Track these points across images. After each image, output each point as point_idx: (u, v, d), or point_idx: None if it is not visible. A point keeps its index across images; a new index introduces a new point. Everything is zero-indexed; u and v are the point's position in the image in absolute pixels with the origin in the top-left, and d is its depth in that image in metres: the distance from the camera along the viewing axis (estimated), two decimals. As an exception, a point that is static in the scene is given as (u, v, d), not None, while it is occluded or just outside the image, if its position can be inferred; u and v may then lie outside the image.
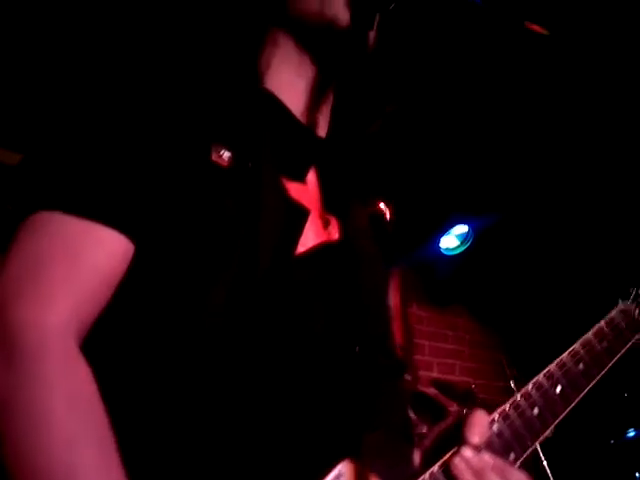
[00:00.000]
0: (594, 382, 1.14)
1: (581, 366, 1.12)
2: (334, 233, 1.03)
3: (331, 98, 1.12)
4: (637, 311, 1.26)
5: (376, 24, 1.02)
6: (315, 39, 1.02)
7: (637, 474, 3.25)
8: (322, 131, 1.09)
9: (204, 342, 0.79)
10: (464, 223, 4.43)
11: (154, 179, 0.82)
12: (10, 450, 0.65)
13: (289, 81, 1.04)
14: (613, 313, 1.24)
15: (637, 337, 1.23)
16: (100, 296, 0.77)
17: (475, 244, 4.50)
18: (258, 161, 0.92)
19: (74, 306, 0.73)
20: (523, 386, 1.07)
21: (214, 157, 0.86)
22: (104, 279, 0.77)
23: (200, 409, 0.77)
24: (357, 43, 1.01)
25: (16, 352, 0.69)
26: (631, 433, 3.36)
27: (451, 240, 4.51)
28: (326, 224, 1.01)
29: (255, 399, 0.80)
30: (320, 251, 0.96)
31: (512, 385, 3.27)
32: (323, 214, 1.02)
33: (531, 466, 2.87)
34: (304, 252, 0.93)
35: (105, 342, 0.79)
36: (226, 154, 0.87)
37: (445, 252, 4.49)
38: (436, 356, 4.74)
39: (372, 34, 1.03)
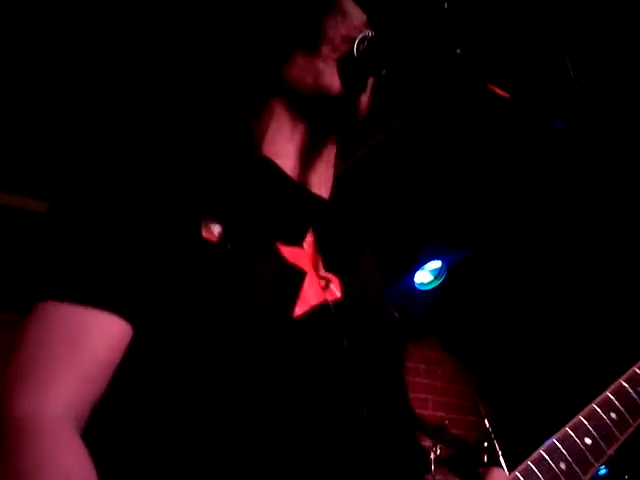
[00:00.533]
0: (631, 430, 1.03)
1: (613, 415, 1.02)
2: (335, 292, 1.01)
3: (332, 158, 1.13)
4: None
5: (370, 88, 1.07)
6: (309, 107, 1.05)
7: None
8: (324, 191, 1.10)
9: (206, 413, 0.80)
10: (438, 258, 4.50)
11: (146, 262, 0.84)
12: None
13: (284, 146, 1.06)
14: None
15: None
16: (100, 379, 0.80)
17: (449, 279, 4.58)
18: (250, 231, 0.93)
19: (72, 392, 0.77)
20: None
21: (204, 233, 0.88)
22: (102, 363, 0.80)
23: None
24: (350, 107, 1.05)
25: (12, 439, 0.73)
26: (602, 471, 3.39)
27: (425, 275, 4.57)
28: (327, 284, 1.00)
29: (258, 471, 0.80)
30: (319, 311, 0.95)
31: (486, 424, 3.28)
32: (323, 274, 1.01)
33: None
34: (302, 314, 0.92)
35: (109, 419, 0.81)
36: (217, 228, 0.89)
37: (419, 287, 4.55)
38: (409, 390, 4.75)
39: (365, 97, 1.06)
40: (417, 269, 4.42)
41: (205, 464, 0.78)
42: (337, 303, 0.99)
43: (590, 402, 1.03)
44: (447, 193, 3.70)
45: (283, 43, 1.07)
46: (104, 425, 0.80)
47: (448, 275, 4.59)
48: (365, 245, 1.18)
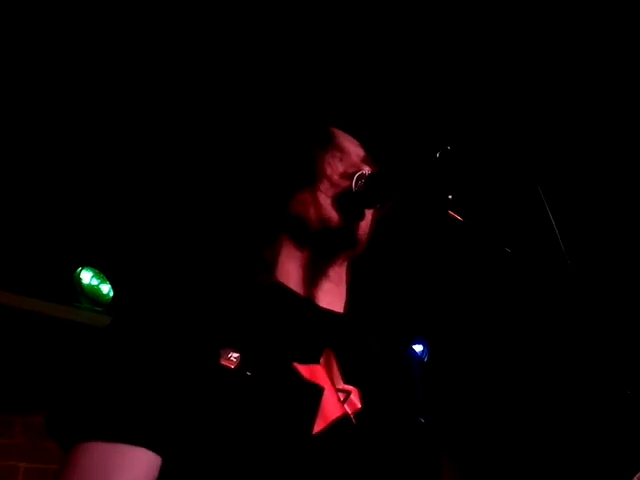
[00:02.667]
0: None
1: None
2: (356, 403, 1.04)
3: (342, 276, 1.20)
4: None
5: (371, 215, 1.16)
6: (313, 237, 1.14)
7: None
8: (337, 307, 1.16)
9: None
10: (419, 343, 4.56)
11: (170, 396, 0.90)
12: None
13: (294, 272, 1.14)
14: None
15: None
16: None
17: (430, 361, 4.61)
18: (267, 355, 0.98)
19: None
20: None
21: (223, 361, 0.94)
22: None
23: None
24: (350, 235, 1.14)
25: None
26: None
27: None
28: (347, 396, 1.04)
29: None
30: (340, 424, 0.99)
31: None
32: (342, 387, 1.05)
33: None
34: (322, 429, 0.96)
35: None
36: (234, 355, 0.95)
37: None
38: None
39: (365, 223, 1.16)
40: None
41: None
42: (358, 413, 1.03)
43: None
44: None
45: (286, 184, 1.18)
46: None
47: (430, 357, 4.64)
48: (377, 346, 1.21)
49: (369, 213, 1.16)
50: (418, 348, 4.58)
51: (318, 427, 0.97)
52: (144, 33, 2.32)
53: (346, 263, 1.21)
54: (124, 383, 0.91)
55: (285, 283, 1.12)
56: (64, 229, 3.12)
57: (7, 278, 3.10)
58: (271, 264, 1.15)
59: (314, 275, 1.15)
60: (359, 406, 1.05)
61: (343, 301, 1.20)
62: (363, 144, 1.26)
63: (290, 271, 1.14)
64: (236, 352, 0.95)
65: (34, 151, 2.72)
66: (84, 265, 3.47)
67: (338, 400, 1.02)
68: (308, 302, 1.13)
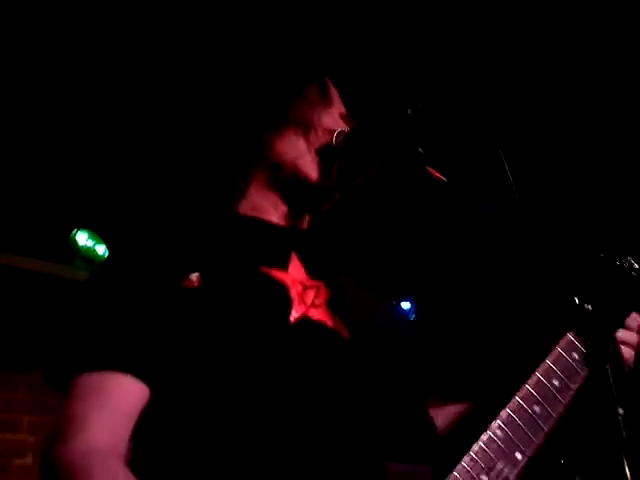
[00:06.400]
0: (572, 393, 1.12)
1: (555, 382, 1.11)
2: (324, 294, 1.17)
3: (304, 215, 1.28)
4: None
5: (339, 172, 1.23)
6: (285, 182, 1.22)
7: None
8: (302, 225, 1.27)
9: (236, 413, 0.99)
10: (407, 300, 4.70)
11: (146, 326, 1.04)
12: None
13: (260, 203, 1.23)
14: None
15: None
16: (125, 421, 1.00)
17: (417, 319, 4.76)
18: (230, 268, 1.10)
19: (105, 435, 0.97)
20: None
21: (185, 282, 1.06)
22: (125, 412, 1.00)
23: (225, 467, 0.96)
24: (320, 192, 1.24)
25: (78, 469, 0.94)
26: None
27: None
28: (317, 290, 1.16)
29: (276, 445, 0.97)
30: (313, 312, 1.11)
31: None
32: (310, 283, 1.17)
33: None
34: (298, 317, 1.09)
35: (152, 437, 1.03)
36: (194, 276, 1.06)
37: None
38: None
39: (335, 181, 1.23)
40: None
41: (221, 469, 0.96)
42: (329, 301, 1.16)
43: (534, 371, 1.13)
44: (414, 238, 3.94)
45: (276, 114, 1.25)
46: (142, 454, 1.01)
47: (417, 315, 4.78)
48: (341, 269, 1.31)
49: (340, 170, 1.24)
50: (405, 305, 4.74)
51: (293, 317, 1.09)
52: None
53: (309, 215, 1.29)
54: (105, 320, 1.05)
55: (249, 214, 1.22)
56: (60, 192, 3.20)
57: (6, 239, 3.20)
58: (242, 195, 1.24)
59: (283, 209, 1.24)
60: (329, 296, 1.17)
61: (307, 223, 1.29)
62: (345, 101, 1.35)
63: (260, 203, 1.23)
64: (196, 272, 1.07)
65: (33, 114, 2.79)
66: (80, 227, 3.57)
67: (309, 294, 1.15)
68: (270, 223, 1.22)
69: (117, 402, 0.99)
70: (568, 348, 1.15)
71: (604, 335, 1.07)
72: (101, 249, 3.64)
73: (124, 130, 2.88)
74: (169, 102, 2.76)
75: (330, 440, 1.01)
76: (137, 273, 1.08)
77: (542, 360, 1.15)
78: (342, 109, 1.29)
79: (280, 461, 0.97)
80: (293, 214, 1.25)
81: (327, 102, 1.27)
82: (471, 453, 1.00)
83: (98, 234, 3.60)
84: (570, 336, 1.15)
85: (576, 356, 1.14)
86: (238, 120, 1.30)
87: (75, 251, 3.59)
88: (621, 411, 0.89)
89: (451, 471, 0.98)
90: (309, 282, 1.17)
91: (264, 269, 1.13)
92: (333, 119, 1.24)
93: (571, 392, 1.12)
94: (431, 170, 1.15)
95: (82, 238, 3.61)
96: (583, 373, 1.13)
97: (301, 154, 1.21)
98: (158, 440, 1.02)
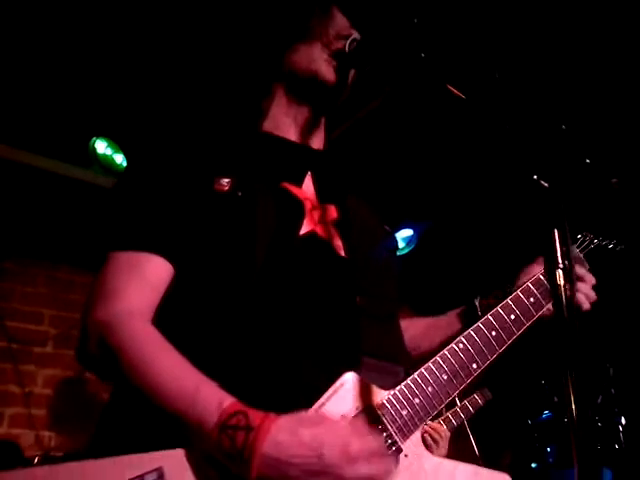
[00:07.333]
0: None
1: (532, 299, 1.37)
2: (334, 214, 1.32)
3: (321, 126, 1.42)
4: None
5: (352, 78, 1.36)
6: (302, 87, 1.34)
7: (548, 449, 3.75)
8: (318, 145, 1.41)
9: (246, 298, 1.14)
10: (409, 227, 4.85)
11: (177, 216, 1.18)
12: (135, 373, 1.04)
13: (282, 120, 1.37)
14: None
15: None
16: (154, 293, 1.15)
17: (419, 246, 4.92)
18: (255, 179, 1.24)
19: (135, 301, 1.12)
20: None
21: (216, 186, 1.21)
22: (153, 284, 1.16)
23: (238, 345, 1.11)
24: (337, 93, 1.35)
25: (113, 328, 1.09)
26: (545, 415, 3.86)
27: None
28: (325, 210, 1.31)
29: (280, 334, 1.13)
30: (321, 229, 1.26)
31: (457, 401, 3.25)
32: (321, 204, 1.31)
33: (459, 438, 3.28)
34: (307, 232, 1.24)
35: (174, 312, 1.16)
36: (225, 181, 1.22)
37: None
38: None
39: (348, 85, 1.36)
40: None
41: (231, 340, 1.12)
42: (335, 221, 1.32)
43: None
44: (416, 168, 4.02)
45: (288, 35, 1.36)
46: (167, 322, 1.15)
47: (418, 243, 4.93)
48: (351, 192, 1.45)
49: (352, 77, 1.36)
50: (407, 233, 4.89)
51: (303, 231, 1.24)
52: None
53: (324, 117, 1.43)
54: (141, 207, 1.19)
55: (273, 132, 1.36)
56: (84, 98, 3.30)
57: (31, 141, 3.33)
58: (266, 114, 1.39)
59: (300, 124, 1.38)
60: (336, 216, 1.33)
61: (322, 145, 1.44)
62: (350, 19, 1.43)
63: (280, 121, 1.38)
64: (227, 178, 1.22)
65: (61, 21, 2.85)
66: (99, 135, 3.69)
67: (319, 212, 1.30)
68: (291, 141, 1.36)
69: (148, 276, 1.14)
70: (527, 292, 1.39)
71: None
72: (119, 158, 3.78)
73: (152, 42, 2.95)
74: (196, 21, 2.82)
75: (315, 330, 1.16)
76: (173, 169, 1.22)
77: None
78: (346, 21, 1.35)
79: (274, 337, 1.13)
80: (310, 126, 1.38)
81: (331, 16, 1.34)
82: (437, 358, 1.24)
83: (117, 143, 3.73)
84: (532, 281, 1.39)
85: (532, 300, 1.38)
86: (256, 44, 1.42)
87: (94, 158, 3.73)
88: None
89: (418, 369, 1.22)
90: (320, 202, 1.31)
91: (284, 184, 1.28)
92: (340, 27, 1.32)
93: (523, 326, 1.36)
94: (450, 87, 1.18)
95: (101, 146, 3.74)
96: (536, 314, 1.38)
97: (315, 58, 1.32)
98: (178, 314, 1.16)
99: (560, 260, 0.88)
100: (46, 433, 3.49)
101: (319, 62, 1.31)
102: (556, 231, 0.87)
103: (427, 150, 3.77)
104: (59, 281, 3.88)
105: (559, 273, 0.87)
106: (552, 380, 4.03)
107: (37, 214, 3.65)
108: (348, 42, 1.30)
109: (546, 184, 0.87)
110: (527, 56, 2.60)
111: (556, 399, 3.86)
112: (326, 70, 1.31)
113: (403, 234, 4.89)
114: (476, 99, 1.13)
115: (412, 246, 4.95)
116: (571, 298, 0.86)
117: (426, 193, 4.28)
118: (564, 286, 0.87)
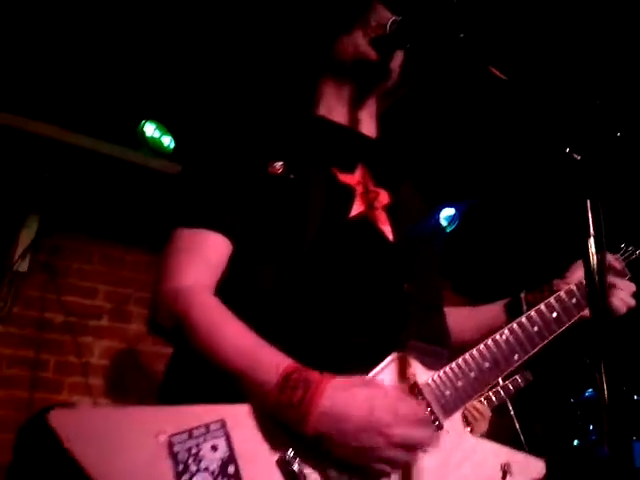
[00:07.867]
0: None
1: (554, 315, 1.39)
2: (385, 199, 1.37)
3: (373, 109, 1.50)
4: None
5: (400, 58, 1.41)
6: (352, 71, 1.43)
7: (591, 426, 3.74)
8: (371, 132, 1.48)
9: (297, 274, 1.20)
10: (451, 206, 4.85)
11: (235, 197, 1.26)
12: (201, 339, 1.13)
13: (335, 105, 1.46)
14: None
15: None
16: (214, 269, 1.23)
17: (461, 225, 4.92)
18: (308, 164, 1.30)
19: (197, 276, 1.20)
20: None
21: (270, 169, 1.29)
22: (214, 262, 1.24)
23: (289, 326, 1.17)
24: (383, 70, 1.42)
25: (179, 299, 1.17)
26: (588, 393, 3.85)
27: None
28: (377, 195, 1.36)
29: (330, 310, 1.18)
30: (371, 213, 1.31)
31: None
32: (373, 189, 1.37)
33: (501, 415, 3.32)
34: (357, 214, 1.30)
35: (234, 285, 1.24)
36: (279, 164, 1.29)
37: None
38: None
39: (395, 64, 1.42)
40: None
41: (285, 315, 1.19)
42: (387, 206, 1.37)
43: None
44: (457, 148, 4.02)
45: (333, 31, 1.45)
46: (227, 294, 1.22)
47: (461, 222, 4.93)
48: (405, 179, 1.52)
49: (400, 53, 1.42)
50: (449, 212, 4.89)
51: (353, 213, 1.30)
52: None
53: (376, 99, 1.49)
54: (202, 190, 1.28)
55: (326, 116, 1.44)
56: (132, 85, 3.41)
57: (85, 123, 3.47)
58: (319, 100, 1.47)
59: (352, 108, 1.46)
60: (386, 202, 1.38)
61: (374, 130, 1.51)
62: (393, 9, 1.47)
63: (333, 105, 1.46)
64: (280, 162, 1.29)
65: (112, 8, 2.95)
66: (148, 118, 3.81)
67: (370, 198, 1.36)
68: (344, 127, 1.44)
69: (209, 251, 1.23)
70: (570, 294, 1.43)
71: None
72: (167, 140, 3.89)
73: (205, 26, 3.02)
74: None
75: (364, 309, 1.21)
76: (231, 155, 1.31)
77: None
78: (387, 11, 1.41)
79: (326, 312, 1.19)
80: (362, 109, 1.46)
81: (372, 8, 1.42)
82: (481, 346, 1.29)
83: (165, 126, 3.84)
84: (573, 287, 1.44)
85: (574, 301, 1.43)
86: (306, 36, 1.51)
87: (143, 140, 3.85)
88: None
89: (462, 355, 1.27)
90: (372, 187, 1.37)
91: (335, 170, 1.34)
92: (381, 17, 1.39)
93: (564, 325, 1.41)
94: (492, 69, 1.19)
95: (150, 129, 3.86)
96: (577, 314, 1.42)
97: (359, 45, 1.40)
98: (239, 287, 1.24)
99: (591, 229, 0.92)
100: (102, 400, 3.68)
101: (362, 46, 1.40)
102: (588, 202, 0.91)
103: (460, 128, 3.76)
104: (112, 259, 4.05)
105: (590, 242, 0.91)
106: (594, 358, 4.00)
107: (91, 195, 3.81)
108: (389, 23, 1.37)
109: (578, 157, 0.91)
110: (562, 33, 2.58)
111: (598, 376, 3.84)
112: (368, 49, 1.39)
113: (445, 213, 4.89)
114: (513, 77, 1.17)
115: (454, 225, 4.96)
116: (602, 265, 0.90)
117: (465, 172, 4.27)
118: (595, 255, 0.91)
